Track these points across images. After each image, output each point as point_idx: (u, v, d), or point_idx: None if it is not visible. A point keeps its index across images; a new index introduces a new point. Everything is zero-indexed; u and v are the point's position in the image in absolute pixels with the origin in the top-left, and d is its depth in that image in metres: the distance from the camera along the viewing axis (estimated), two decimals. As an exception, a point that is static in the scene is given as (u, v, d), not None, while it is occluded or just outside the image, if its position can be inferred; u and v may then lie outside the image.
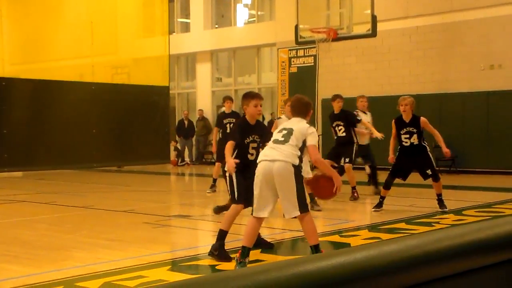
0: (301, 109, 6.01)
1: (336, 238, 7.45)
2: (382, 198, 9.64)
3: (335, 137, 11.18)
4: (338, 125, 11.14)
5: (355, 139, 11.13)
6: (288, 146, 5.61)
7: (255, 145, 6.32)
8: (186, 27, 25.16)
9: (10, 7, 20.87)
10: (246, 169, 6.22)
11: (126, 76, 22.26)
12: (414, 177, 15.77)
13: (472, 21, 16.84)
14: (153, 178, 17.93)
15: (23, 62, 20.55)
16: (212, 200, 11.55)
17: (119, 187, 14.53)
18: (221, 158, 9.35)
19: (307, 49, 19.51)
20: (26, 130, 18.01)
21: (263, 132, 6.46)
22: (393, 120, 9.78)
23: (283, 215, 5.76)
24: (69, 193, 13.22)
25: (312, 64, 19.91)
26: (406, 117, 9.64)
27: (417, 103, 17.73)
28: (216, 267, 5.95)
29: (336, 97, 11.24)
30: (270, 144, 5.77)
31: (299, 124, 5.79)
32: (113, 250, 6.81)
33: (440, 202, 9.62)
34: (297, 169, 5.59)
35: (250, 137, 6.31)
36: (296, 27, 15.96)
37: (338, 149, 11.09)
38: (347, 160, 10.88)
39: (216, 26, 24.26)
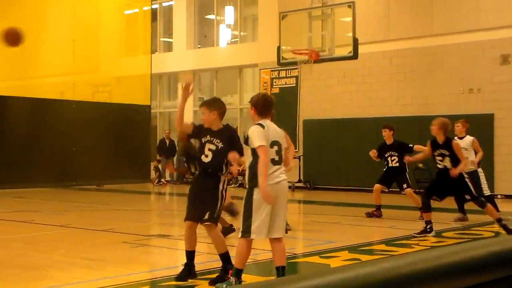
0: None
1: (316, 259, 7.44)
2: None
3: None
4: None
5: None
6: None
7: (212, 147, 6.10)
8: (168, 47, 25.20)
9: (-9, 23, 20.77)
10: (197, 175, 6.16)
11: (107, 95, 22.21)
12: (395, 199, 15.85)
13: (452, 46, 17.06)
14: (133, 197, 17.81)
15: (3, 79, 20.42)
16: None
17: (98, 206, 14.41)
18: None
19: (289, 70, 19.61)
20: (5, 147, 17.86)
21: (224, 137, 6.14)
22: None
23: (280, 233, 5.57)
24: (47, 211, 13.08)
25: (294, 85, 20.01)
26: (440, 139, 9.38)
27: (397, 126, 17.96)
28: (196, 287, 5.91)
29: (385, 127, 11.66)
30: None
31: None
32: (91, 270, 6.74)
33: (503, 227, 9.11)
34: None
35: (207, 136, 6.15)
36: (279, 48, 16.06)
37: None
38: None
39: (199, 46, 24.34)
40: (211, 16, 23.87)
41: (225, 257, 6.05)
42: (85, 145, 19.39)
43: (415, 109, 17.67)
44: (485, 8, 16.66)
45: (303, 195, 17.70)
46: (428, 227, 9.16)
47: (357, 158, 17.93)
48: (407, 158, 11.18)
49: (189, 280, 6.18)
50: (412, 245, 8.36)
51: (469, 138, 11.14)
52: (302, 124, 18.99)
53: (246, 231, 5.49)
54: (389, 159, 11.49)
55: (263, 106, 5.67)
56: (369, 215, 11.66)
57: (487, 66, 16.56)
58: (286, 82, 20.24)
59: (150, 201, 17.88)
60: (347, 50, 15.14)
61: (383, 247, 8.28)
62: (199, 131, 6.25)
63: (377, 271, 1.93)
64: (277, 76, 20.42)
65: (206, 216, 5.93)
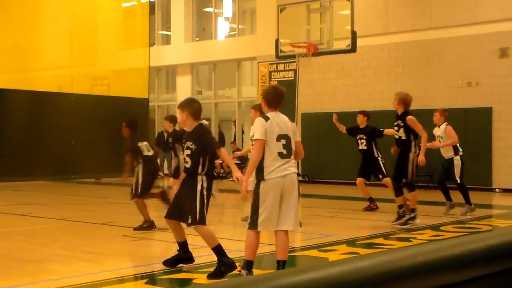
0: None
1: (314, 253, 7.46)
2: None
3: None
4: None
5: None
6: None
7: (188, 152, 6.15)
8: (166, 40, 25.16)
9: (-11, 17, 20.74)
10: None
11: (105, 88, 22.19)
12: (393, 193, 15.82)
13: (450, 39, 17.05)
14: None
15: (2, 72, 20.39)
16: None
17: (97, 199, 14.42)
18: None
19: (288, 64, 19.59)
20: (3, 140, 17.84)
21: (195, 137, 6.18)
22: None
23: (288, 226, 5.59)
24: (46, 204, 13.09)
25: (292, 78, 19.98)
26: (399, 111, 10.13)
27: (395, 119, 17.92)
28: (194, 281, 5.92)
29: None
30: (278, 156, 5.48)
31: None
32: (90, 263, 6.75)
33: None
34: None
35: (185, 142, 6.29)
36: (277, 41, 16.03)
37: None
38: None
39: (197, 39, 24.29)
40: (209, 9, 23.82)
41: (217, 250, 6.09)
42: (84, 138, 19.38)
43: (413, 103, 17.56)
44: (483, 1, 16.64)
45: (301, 188, 17.55)
46: (401, 211, 9.49)
47: (355, 152, 17.90)
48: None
49: (181, 265, 6.20)
50: (410, 239, 8.38)
51: (443, 126, 11.63)
52: (301, 117, 18.96)
53: (254, 223, 5.54)
54: (359, 141, 12.10)
55: (272, 97, 5.64)
56: (367, 209, 11.72)
57: (485, 60, 16.55)
58: (284, 75, 20.22)
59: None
60: (345, 43, 15.10)
61: (381, 240, 8.30)
62: (178, 137, 6.44)
63: (376, 264, 1.94)
64: (275, 69, 20.40)
65: (189, 221, 6.04)
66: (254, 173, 5.62)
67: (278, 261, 5.64)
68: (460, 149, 11.40)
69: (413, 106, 17.53)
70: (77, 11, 21.00)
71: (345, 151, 18.24)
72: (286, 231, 5.59)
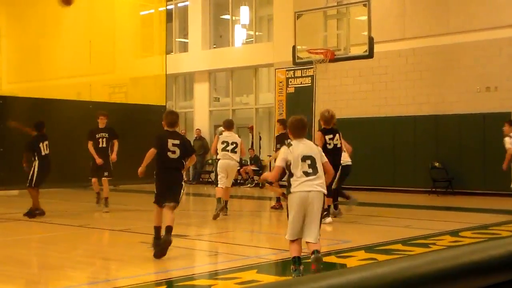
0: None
1: (332, 259, 7.44)
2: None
3: None
4: None
5: None
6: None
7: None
8: (184, 47, 25.27)
9: (9, 25, 20.99)
10: None
11: (123, 95, 22.32)
12: (411, 198, 15.77)
13: (468, 44, 16.95)
14: (150, 197, 17.86)
15: (21, 80, 20.61)
16: (208, 219, 11.53)
17: (115, 206, 14.48)
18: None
19: (305, 70, 19.56)
20: (23, 148, 17.98)
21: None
22: None
23: (310, 239, 6.10)
24: (65, 211, 13.18)
25: (310, 84, 19.95)
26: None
27: (413, 124, 17.87)
28: (213, 287, 5.93)
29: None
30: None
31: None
32: (108, 270, 6.79)
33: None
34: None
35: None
36: (294, 48, 16.03)
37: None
38: None
39: (214, 46, 24.38)
40: (227, 16, 23.90)
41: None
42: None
43: (431, 108, 17.58)
44: (502, 5, 16.53)
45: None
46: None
47: (373, 158, 17.90)
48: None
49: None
50: (429, 245, 8.32)
51: None
52: (318, 123, 18.94)
53: (287, 234, 6.18)
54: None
55: (294, 129, 6.37)
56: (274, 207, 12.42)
57: (504, 64, 16.42)
58: (301, 82, 20.20)
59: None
60: (362, 49, 15.06)
61: (399, 246, 8.25)
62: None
63: (394, 270, 1.93)
64: (292, 76, 20.39)
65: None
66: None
67: (313, 251, 6.07)
68: None
69: (431, 111, 17.54)
70: (95, 20, 21.17)
71: (362, 157, 18.17)
72: (314, 243, 6.10)
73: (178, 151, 7.89)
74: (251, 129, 22.72)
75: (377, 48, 15.12)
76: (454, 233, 9.37)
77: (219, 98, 24.60)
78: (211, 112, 23.64)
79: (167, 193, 7.83)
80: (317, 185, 6.06)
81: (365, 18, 15.07)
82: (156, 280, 6.24)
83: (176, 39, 25.24)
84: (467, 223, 10.74)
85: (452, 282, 2.12)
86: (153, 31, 22.80)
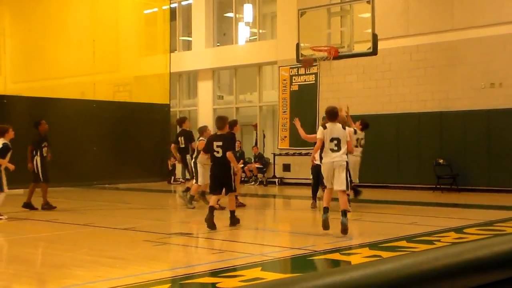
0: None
1: (336, 256, 7.43)
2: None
3: None
4: None
5: None
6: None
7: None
8: (188, 45, 25.27)
9: (12, 25, 21.01)
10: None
11: (127, 94, 22.34)
12: (415, 195, 15.75)
13: (473, 40, 16.90)
14: (153, 196, 17.91)
15: (25, 80, 20.63)
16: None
17: (119, 205, 14.51)
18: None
19: (308, 67, 19.58)
20: (27, 147, 18.01)
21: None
22: None
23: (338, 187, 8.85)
24: (70, 210, 13.21)
25: (313, 82, 19.96)
26: None
27: (417, 121, 17.83)
28: (217, 285, 5.94)
29: None
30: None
31: None
32: (113, 268, 6.80)
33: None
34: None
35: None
36: (298, 45, 16.01)
37: None
38: None
39: (218, 44, 24.37)
40: (230, 14, 23.89)
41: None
42: (106, 144, 19.53)
43: (435, 105, 17.55)
44: (506, 1, 16.47)
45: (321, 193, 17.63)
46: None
47: (376, 155, 17.86)
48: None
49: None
50: (434, 242, 8.31)
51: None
52: (322, 120, 18.93)
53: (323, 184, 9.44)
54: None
55: (328, 115, 9.10)
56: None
57: (508, 60, 16.37)
58: (305, 79, 20.21)
59: (170, 200, 17.97)
60: (366, 46, 15.04)
61: (404, 243, 8.24)
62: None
63: (399, 267, 1.93)
64: (296, 73, 20.40)
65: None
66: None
67: (342, 211, 8.74)
68: None
69: (435, 108, 17.50)
70: (99, 19, 21.19)
71: (366, 154, 18.15)
72: (343, 191, 8.85)
73: (220, 151, 9.75)
74: (255, 127, 22.72)
75: (381, 45, 15.10)
76: (459, 229, 9.35)
77: (223, 96, 24.61)
78: (215, 110, 23.64)
79: (220, 184, 9.88)
80: (338, 156, 8.80)
81: (368, 15, 15.04)
82: (161, 278, 6.24)
83: (180, 38, 25.25)
84: (472, 220, 10.72)
85: (456, 279, 2.12)
86: (157, 29, 22.81)
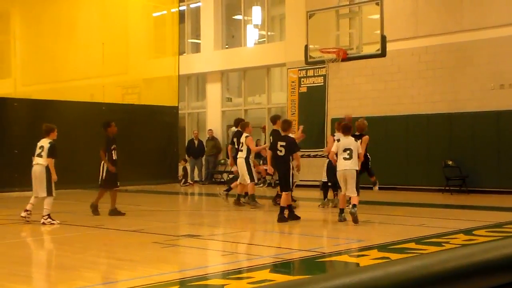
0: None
1: (345, 258, 7.42)
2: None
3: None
4: None
5: None
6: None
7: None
8: (196, 48, 25.31)
9: (22, 28, 21.13)
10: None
11: (136, 96, 22.41)
12: (424, 196, 15.70)
13: (482, 41, 16.84)
14: (162, 198, 17.94)
15: (35, 82, 20.74)
16: (221, 219, 11.55)
17: (128, 207, 14.54)
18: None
19: (317, 69, 19.57)
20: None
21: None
22: None
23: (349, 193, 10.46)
24: (79, 212, 13.25)
25: (322, 84, 19.95)
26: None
27: (426, 123, 17.79)
28: (226, 287, 5.94)
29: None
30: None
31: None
32: (122, 270, 6.82)
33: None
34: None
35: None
36: (306, 47, 16.00)
37: None
38: None
39: (227, 46, 24.40)
40: (239, 17, 23.92)
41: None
42: (115, 146, 19.55)
43: (444, 106, 17.49)
44: (515, 2, 16.41)
45: (331, 193, 17.60)
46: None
47: (386, 156, 17.82)
48: None
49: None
50: (443, 244, 8.29)
51: None
52: (331, 122, 18.91)
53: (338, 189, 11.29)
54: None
55: (342, 130, 10.76)
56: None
57: (518, 62, 16.30)
58: (314, 81, 20.20)
59: (179, 202, 18.00)
60: (375, 48, 15.02)
61: (412, 245, 8.22)
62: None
63: (408, 269, 1.92)
64: (305, 75, 20.39)
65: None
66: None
67: (352, 204, 10.28)
68: None
69: (444, 110, 17.44)
70: (108, 21, 21.27)
71: (375, 155, 18.12)
72: (352, 196, 10.42)
73: (283, 150, 10.81)
74: (263, 129, 22.72)
75: (389, 46, 15.07)
76: (468, 231, 9.32)
77: (231, 98, 24.63)
78: (224, 112, 23.67)
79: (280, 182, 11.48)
80: (350, 165, 10.32)
81: (377, 16, 15.02)
82: (169, 280, 6.25)
83: (189, 40, 25.30)
84: (481, 222, 10.68)
85: (465, 281, 2.11)
86: (166, 32, 22.87)
